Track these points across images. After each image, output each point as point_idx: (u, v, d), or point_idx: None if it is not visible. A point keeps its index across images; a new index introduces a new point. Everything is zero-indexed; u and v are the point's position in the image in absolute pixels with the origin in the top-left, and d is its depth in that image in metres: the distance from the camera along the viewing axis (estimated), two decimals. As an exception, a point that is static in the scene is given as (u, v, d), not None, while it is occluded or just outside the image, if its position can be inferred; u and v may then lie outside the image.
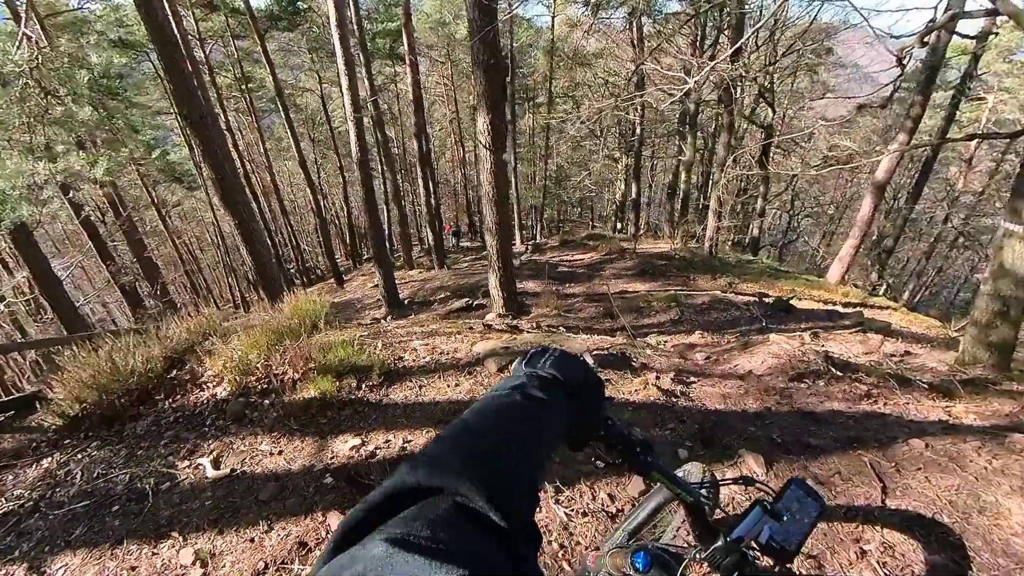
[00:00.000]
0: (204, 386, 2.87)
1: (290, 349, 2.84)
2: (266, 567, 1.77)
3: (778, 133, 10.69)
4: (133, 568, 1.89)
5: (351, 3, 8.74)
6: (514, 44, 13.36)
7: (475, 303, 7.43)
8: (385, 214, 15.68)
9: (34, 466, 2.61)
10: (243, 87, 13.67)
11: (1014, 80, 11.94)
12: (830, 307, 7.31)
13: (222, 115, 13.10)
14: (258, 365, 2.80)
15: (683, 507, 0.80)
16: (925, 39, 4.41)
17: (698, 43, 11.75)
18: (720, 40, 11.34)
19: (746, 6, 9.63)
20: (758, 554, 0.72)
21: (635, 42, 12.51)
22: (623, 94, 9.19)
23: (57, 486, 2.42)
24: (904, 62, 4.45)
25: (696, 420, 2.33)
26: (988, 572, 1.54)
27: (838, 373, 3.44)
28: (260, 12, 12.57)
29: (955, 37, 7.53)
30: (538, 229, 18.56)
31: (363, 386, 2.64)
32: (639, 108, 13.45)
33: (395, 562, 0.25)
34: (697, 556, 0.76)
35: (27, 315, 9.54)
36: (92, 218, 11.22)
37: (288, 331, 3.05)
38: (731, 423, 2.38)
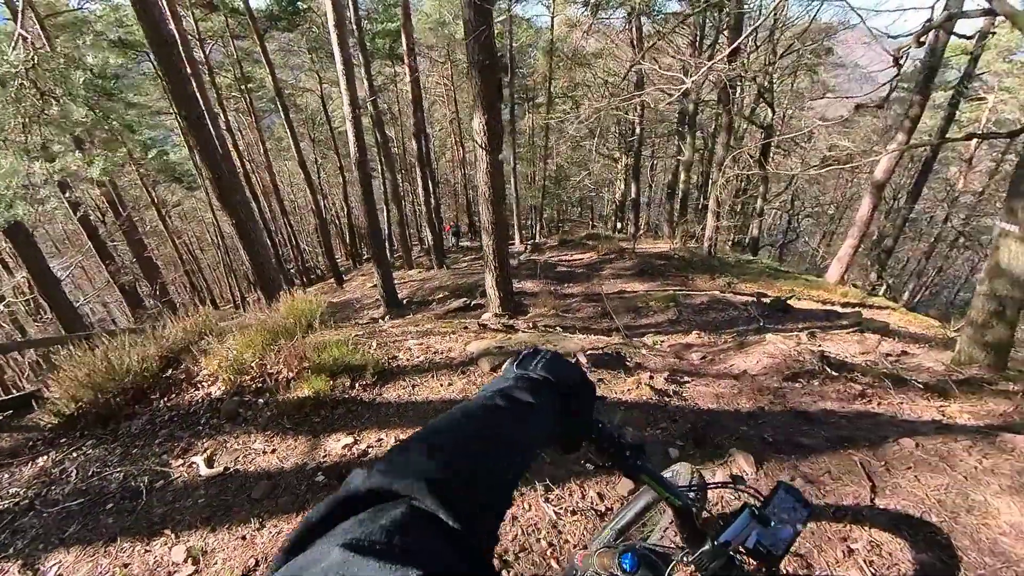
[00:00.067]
0: (199, 385, 2.88)
1: (285, 348, 2.85)
2: (257, 564, 1.79)
3: (778, 133, 10.68)
4: (126, 565, 1.90)
5: (350, 3, 8.75)
6: (513, 44, 13.37)
7: (473, 303, 7.44)
8: (385, 214, 15.70)
9: (30, 464, 2.63)
10: (243, 87, 13.70)
11: (1014, 80, 11.92)
12: (828, 307, 7.31)
13: (222, 115, 13.12)
14: (253, 364, 2.81)
15: (671, 510, 0.81)
16: (922, 39, 4.41)
17: (697, 43, 11.75)
18: (719, 40, 11.34)
19: (745, 6, 9.63)
20: (745, 558, 0.73)
21: (634, 42, 12.51)
22: (622, 94, 9.20)
23: (52, 484, 2.44)
24: (901, 62, 4.44)
25: (688, 419, 2.34)
26: (975, 571, 1.54)
27: (833, 373, 3.44)
28: (260, 12, 12.59)
29: (954, 37, 7.52)
30: (537, 229, 18.57)
31: (357, 385, 2.65)
32: (638, 108, 13.46)
33: (350, 565, 0.25)
34: (684, 559, 0.77)
35: (27, 315, 9.58)
36: (92, 218, 11.25)
37: (283, 330, 3.06)
38: (723, 422, 2.39)
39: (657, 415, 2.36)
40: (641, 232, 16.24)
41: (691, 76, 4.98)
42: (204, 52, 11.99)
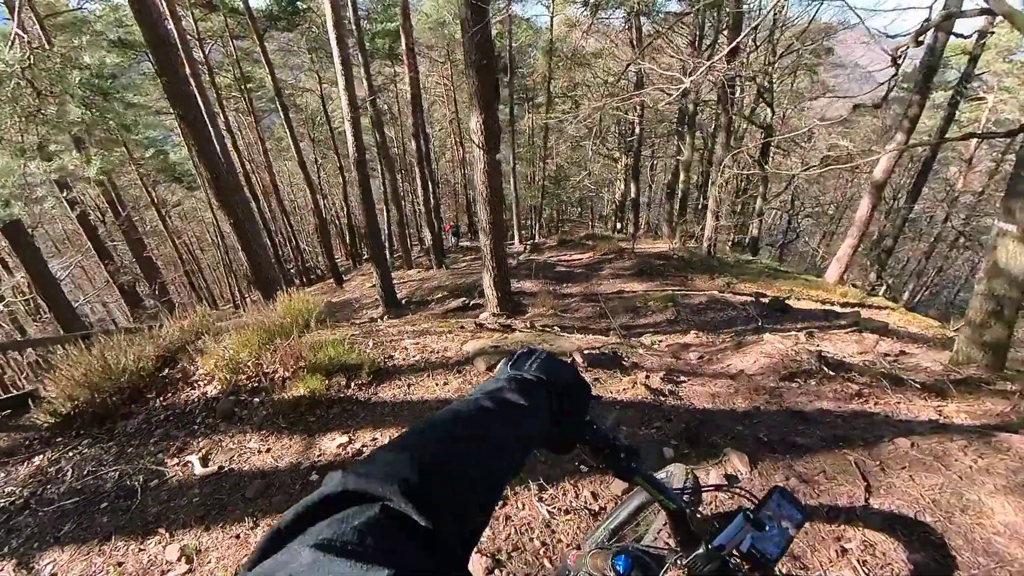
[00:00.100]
0: (195, 385, 2.88)
1: (281, 348, 2.85)
2: (250, 564, 1.78)
3: (778, 133, 10.67)
4: (120, 564, 1.91)
5: (349, 3, 8.75)
6: (513, 44, 13.36)
7: (472, 303, 7.44)
8: (385, 214, 15.70)
9: (26, 464, 2.63)
10: (242, 87, 13.70)
11: (1014, 80, 11.90)
12: (827, 307, 7.30)
13: (221, 115, 13.13)
14: (249, 364, 2.81)
15: (665, 513, 0.80)
16: (920, 38, 4.41)
17: (697, 44, 11.74)
18: (719, 40, 11.34)
19: (744, 5, 9.62)
20: (739, 561, 0.73)
21: (634, 42, 12.51)
22: (621, 94, 9.19)
23: (48, 483, 2.44)
24: (899, 61, 4.43)
25: (683, 419, 2.33)
26: (969, 571, 1.54)
27: (830, 372, 3.43)
28: (259, 12, 12.59)
29: (954, 37, 7.52)
30: (537, 229, 18.56)
31: (352, 384, 2.65)
32: (638, 108, 13.45)
33: (321, 565, 0.26)
34: (678, 562, 0.77)
35: (26, 315, 9.59)
36: (92, 218, 11.26)
37: (279, 330, 3.06)
38: (719, 422, 2.38)
39: (652, 414, 2.36)
40: (641, 232, 16.24)
41: (690, 76, 4.97)
42: (204, 52, 12.00)
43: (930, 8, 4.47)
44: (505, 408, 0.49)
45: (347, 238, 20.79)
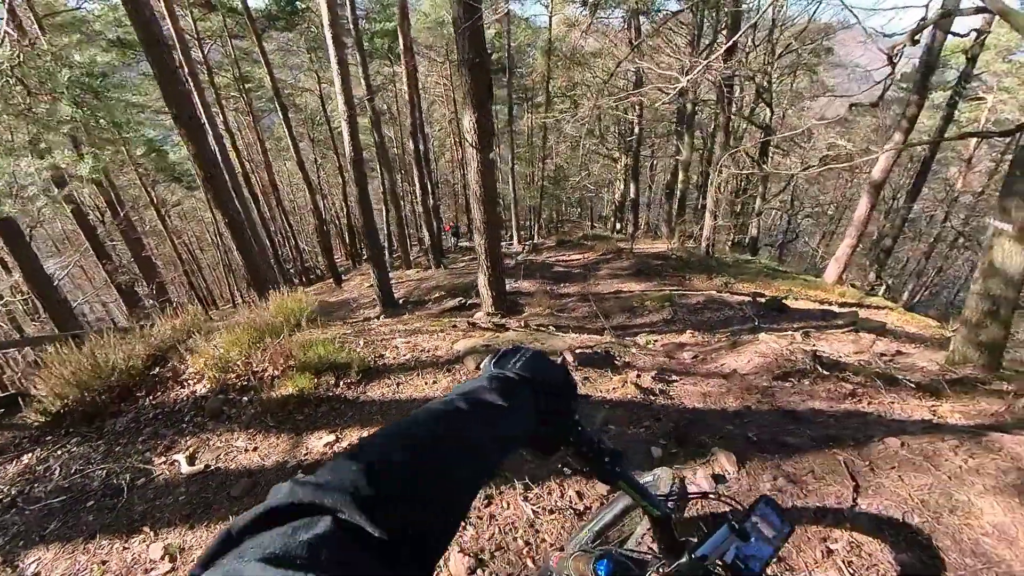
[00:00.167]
0: (185, 383, 2.87)
1: (271, 346, 2.84)
2: (233, 563, 1.78)
3: (777, 133, 10.66)
4: (104, 562, 1.90)
5: (347, 3, 8.75)
6: (512, 44, 13.36)
7: (469, 302, 7.43)
8: (384, 214, 15.70)
9: (14, 462, 2.62)
10: (241, 87, 13.71)
11: (1013, 80, 11.86)
12: (825, 307, 7.27)
13: (220, 115, 13.14)
14: (239, 362, 2.80)
15: (648, 519, 0.79)
16: (916, 37, 4.39)
17: (696, 43, 11.73)
18: (718, 40, 11.32)
19: (743, 5, 9.60)
20: (722, 572, 0.72)
21: (633, 42, 12.49)
22: (619, 93, 9.18)
23: (36, 482, 2.43)
24: (895, 60, 4.42)
25: (672, 418, 2.32)
26: (956, 572, 1.52)
27: (824, 372, 3.42)
28: (258, 12, 12.61)
29: (954, 37, 7.50)
30: (536, 230, 18.54)
31: (341, 383, 2.64)
32: (637, 108, 13.44)
33: None
34: (660, 570, 0.76)
35: (24, 314, 9.60)
36: (91, 218, 11.27)
37: (270, 329, 3.05)
38: (709, 421, 2.37)
39: (641, 414, 2.34)
40: (640, 233, 16.22)
41: (687, 75, 4.96)
42: (203, 52, 12.01)
43: (926, 7, 4.47)
44: (481, 408, 0.48)
45: (347, 238, 20.79)
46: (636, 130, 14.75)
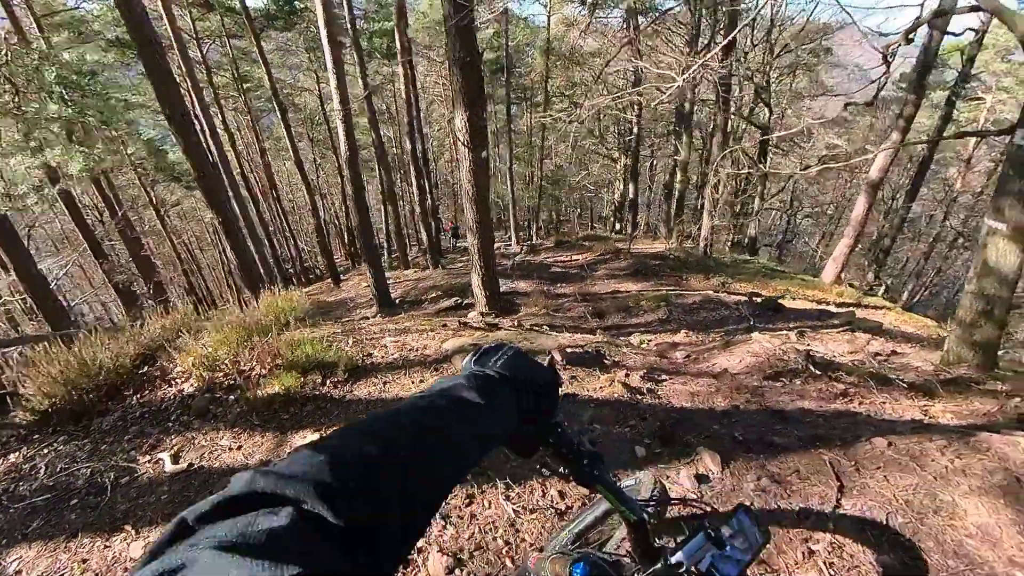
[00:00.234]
0: (173, 382, 2.87)
1: (259, 345, 2.83)
2: (212, 561, 1.77)
3: (775, 133, 10.63)
4: (84, 561, 1.89)
5: (345, 2, 8.76)
6: (510, 43, 13.35)
7: (465, 302, 7.42)
8: (382, 214, 15.71)
9: (1, 461, 2.62)
10: (240, 87, 13.73)
11: (1012, 79, 11.81)
12: (822, 307, 7.25)
13: (219, 115, 13.16)
14: (226, 361, 2.80)
15: (625, 524, 0.79)
16: (910, 36, 4.38)
17: (694, 43, 11.71)
18: (716, 40, 11.30)
19: (742, 4, 9.58)
20: None
21: (632, 42, 12.48)
22: (615, 91, 9.17)
23: (21, 480, 2.43)
24: (890, 60, 4.41)
25: (659, 417, 2.31)
26: (938, 574, 1.51)
27: (817, 372, 3.40)
28: (257, 12, 12.62)
29: (951, 37, 7.47)
30: (534, 230, 18.53)
31: (328, 382, 2.64)
32: (635, 107, 13.42)
33: (223, 565, 0.24)
34: (636, 575, 0.77)
35: (23, 313, 9.62)
36: (90, 219, 11.29)
37: (259, 328, 3.05)
38: (695, 420, 2.36)
39: (627, 413, 2.33)
40: (640, 233, 16.20)
41: (683, 74, 4.95)
42: (201, 51, 12.03)
43: (921, 6, 4.46)
44: (459, 405, 0.47)
45: (346, 238, 20.81)
46: (635, 130, 14.74)
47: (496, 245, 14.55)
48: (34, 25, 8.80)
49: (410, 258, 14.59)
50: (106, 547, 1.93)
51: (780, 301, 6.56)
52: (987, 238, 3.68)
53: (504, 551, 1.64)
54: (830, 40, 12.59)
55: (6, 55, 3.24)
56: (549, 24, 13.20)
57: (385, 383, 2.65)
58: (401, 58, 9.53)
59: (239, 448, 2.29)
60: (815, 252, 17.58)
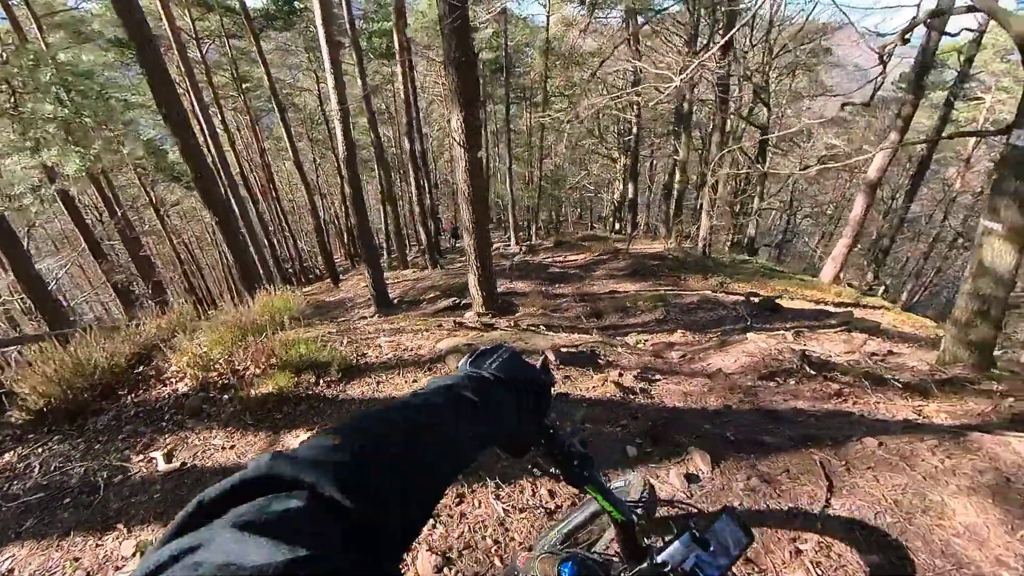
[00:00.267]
0: (167, 381, 2.87)
1: (253, 345, 2.84)
2: (202, 559, 1.77)
3: (774, 133, 10.63)
4: (76, 559, 1.90)
5: (344, 2, 8.76)
6: (509, 43, 13.36)
7: (463, 302, 7.42)
8: (382, 214, 15.72)
9: (-4, 460, 2.63)
10: (239, 87, 13.74)
11: (1011, 79, 11.79)
12: (821, 307, 7.25)
13: (219, 115, 13.18)
14: (220, 361, 2.80)
15: (614, 524, 0.81)
16: (907, 36, 4.37)
17: (693, 43, 11.70)
18: (714, 40, 11.29)
19: (741, 4, 9.58)
20: None
21: (630, 41, 12.48)
22: (615, 92, 9.17)
23: (15, 479, 2.44)
24: (886, 60, 4.40)
25: (650, 417, 2.31)
26: (925, 573, 1.51)
27: (811, 372, 3.40)
28: (256, 12, 12.64)
29: (949, 37, 7.46)
30: (534, 230, 18.53)
31: (321, 382, 2.64)
32: (634, 107, 13.42)
33: (240, 544, 0.25)
34: (623, 574, 0.79)
35: (23, 313, 9.64)
36: (90, 219, 11.31)
37: (254, 327, 3.05)
38: (687, 420, 2.36)
39: (619, 412, 2.33)
40: (639, 233, 16.19)
41: (680, 74, 4.95)
42: (201, 51, 12.05)
43: (918, 6, 4.45)
44: (455, 403, 0.48)
45: (345, 238, 20.82)
46: (634, 130, 14.73)
47: (495, 245, 14.57)
48: (34, 25, 8.82)
49: (409, 258, 14.60)
50: (98, 545, 1.94)
51: (777, 301, 6.56)
52: (983, 238, 3.68)
53: (493, 550, 1.64)
54: (830, 40, 12.59)
55: (3, 57, 3.25)
56: (548, 24, 13.20)
57: (378, 383, 2.65)
58: (400, 58, 9.54)
59: (232, 447, 2.30)
60: (815, 252, 17.57)
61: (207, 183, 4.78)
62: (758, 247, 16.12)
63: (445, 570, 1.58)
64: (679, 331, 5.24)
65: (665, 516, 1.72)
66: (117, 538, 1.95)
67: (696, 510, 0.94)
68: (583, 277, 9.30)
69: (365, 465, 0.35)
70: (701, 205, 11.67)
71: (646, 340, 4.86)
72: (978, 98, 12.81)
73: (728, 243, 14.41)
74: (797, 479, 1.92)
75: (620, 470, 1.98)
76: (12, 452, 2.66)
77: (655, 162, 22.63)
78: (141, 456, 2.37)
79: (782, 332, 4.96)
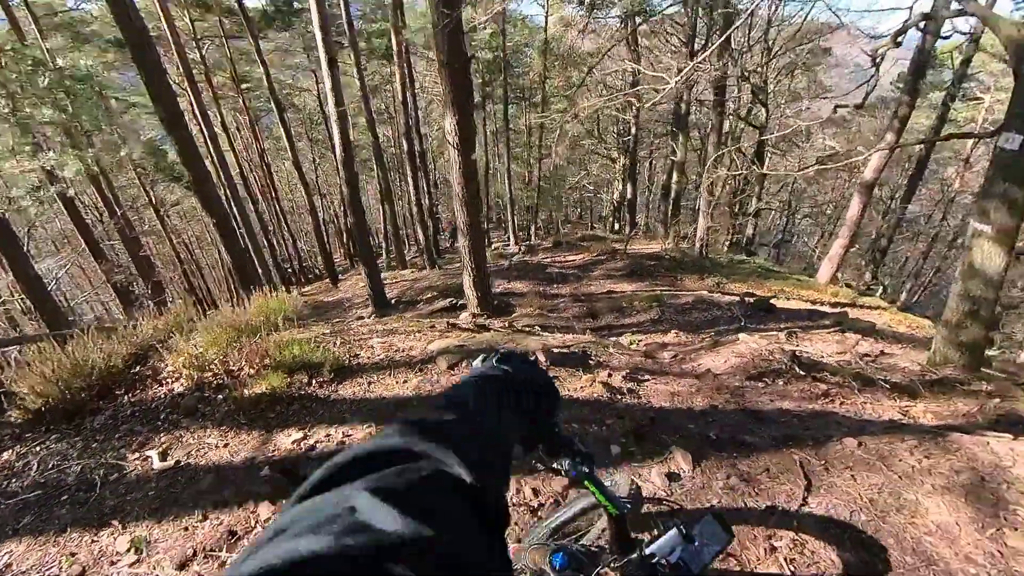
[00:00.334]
0: (163, 381, 2.92)
1: (248, 346, 2.88)
2: (195, 554, 1.82)
3: (771, 133, 10.65)
4: (72, 555, 1.95)
5: (342, 3, 8.80)
6: (508, 43, 13.38)
7: (460, 303, 7.45)
8: (380, 214, 15.76)
9: (-5, 458, 2.68)
10: (238, 87, 13.79)
11: (1010, 80, 11.76)
12: (816, 307, 7.27)
13: (218, 115, 13.22)
14: (215, 361, 2.85)
15: (607, 517, 0.86)
16: (899, 39, 4.40)
17: (691, 44, 11.72)
18: (712, 41, 11.31)
19: (740, 5, 9.59)
20: (666, 571, 0.79)
21: (629, 42, 12.51)
22: (613, 92, 9.19)
23: (13, 477, 2.48)
24: (878, 62, 4.43)
25: (636, 417, 2.35)
26: (895, 571, 1.55)
27: (800, 372, 3.43)
28: (255, 12, 12.67)
29: (946, 39, 7.48)
30: (532, 230, 18.56)
31: (314, 382, 2.69)
32: (633, 108, 13.43)
33: (371, 509, 0.26)
34: (612, 564, 0.84)
35: (23, 313, 9.70)
36: (90, 219, 11.36)
37: (249, 328, 3.10)
38: (672, 420, 2.40)
39: (605, 412, 2.37)
40: (638, 233, 16.21)
41: (676, 75, 4.98)
42: (200, 52, 12.09)
43: (910, 9, 4.48)
44: (499, 395, 0.52)
45: (345, 238, 20.87)
46: (633, 130, 14.75)
47: (495, 245, 14.59)
48: (33, 26, 8.86)
49: (408, 258, 14.65)
50: (94, 541, 1.99)
51: (772, 301, 6.59)
52: (973, 240, 3.71)
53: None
54: (829, 40, 12.59)
55: (1, 62, 3.30)
56: (547, 24, 13.22)
57: (370, 383, 2.70)
58: (397, 59, 9.58)
59: (225, 446, 2.34)
60: (814, 252, 17.58)
61: (205, 186, 4.81)
62: (757, 247, 16.12)
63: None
64: (673, 331, 5.27)
65: (646, 513, 1.76)
66: (112, 534, 2.00)
67: (678, 507, 1.00)
68: (581, 277, 9.33)
69: (481, 444, 0.39)
70: (699, 206, 11.69)
71: (640, 340, 4.90)
72: (977, 98, 12.80)
73: (727, 243, 14.42)
74: (776, 478, 1.96)
75: (605, 469, 2.02)
76: (11, 451, 2.71)
77: (654, 162, 22.65)
78: (137, 454, 2.42)
79: (775, 332, 4.99)
